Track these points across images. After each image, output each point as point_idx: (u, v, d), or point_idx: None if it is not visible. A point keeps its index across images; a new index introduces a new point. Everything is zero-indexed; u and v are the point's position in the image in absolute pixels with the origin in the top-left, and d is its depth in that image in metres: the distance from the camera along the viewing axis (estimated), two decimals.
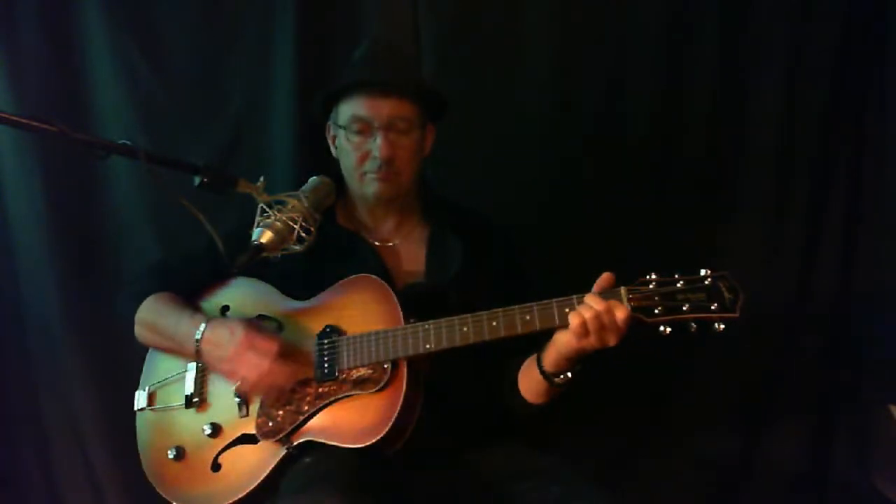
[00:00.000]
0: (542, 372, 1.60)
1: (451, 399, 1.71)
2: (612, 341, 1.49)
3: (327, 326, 1.70)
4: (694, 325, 1.47)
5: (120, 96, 2.48)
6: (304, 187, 1.63)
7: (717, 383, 2.39)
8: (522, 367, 1.69)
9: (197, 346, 1.72)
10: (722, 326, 1.45)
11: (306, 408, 1.65)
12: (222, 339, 1.68)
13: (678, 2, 2.34)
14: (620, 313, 1.47)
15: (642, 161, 2.39)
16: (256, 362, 1.63)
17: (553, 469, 1.65)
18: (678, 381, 2.41)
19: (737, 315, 1.44)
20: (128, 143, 1.44)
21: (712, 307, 1.45)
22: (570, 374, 1.59)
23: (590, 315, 1.47)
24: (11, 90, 2.43)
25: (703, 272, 1.47)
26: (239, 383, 1.69)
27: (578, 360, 1.57)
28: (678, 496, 2.43)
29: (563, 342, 1.53)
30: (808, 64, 2.30)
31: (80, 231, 2.53)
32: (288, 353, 1.68)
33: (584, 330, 1.48)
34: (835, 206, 2.33)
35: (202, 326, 1.72)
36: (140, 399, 1.86)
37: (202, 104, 2.50)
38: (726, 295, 1.45)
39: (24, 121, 1.35)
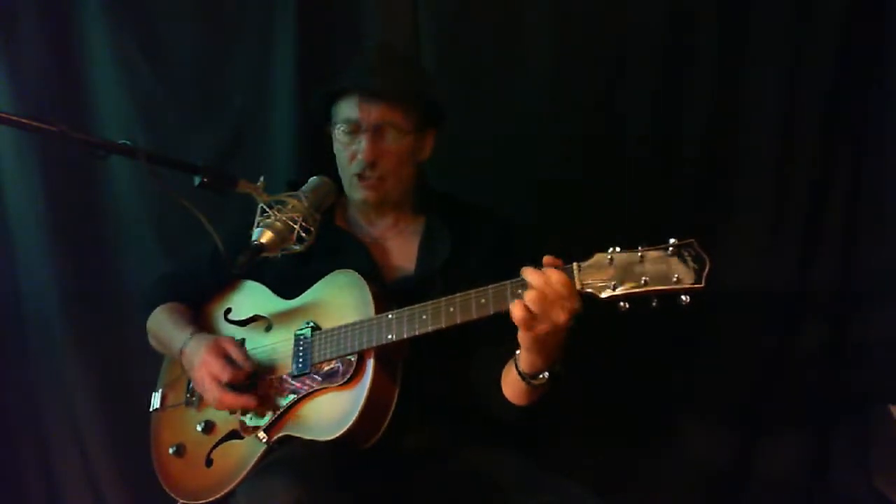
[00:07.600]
0: (519, 372, 1.53)
1: (435, 394, 1.71)
2: (561, 317, 1.38)
3: (305, 322, 1.73)
4: (656, 300, 1.36)
5: (120, 96, 2.48)
6: (304, 187, 1.64)
7: (714, 382, 2.38)
8: (506, 366, 1.60)
9: (181, 361, 1.81)
10: (687, 299, 1.33)
11: (282, 403, 1.69)
12: (192, 361, 1.75)
13: (678, 1, 2.34)
14: (561, 281, 1.38)
15: (642, 159, 2.38)
16: (209, 388, 1.70)
17: (544, 478, 1.60)
18: (676, 379, 2.40)
19: (702, 286, 1.32)
20: (128, 143, 1.45)
21: (674, 278, 1.33)
22: (546, 376, 1.51)
23: (537, 281, 1.39)
24: (11, 90, 2.44)
25: (670, 241, 1.36)
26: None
27: (551, 358, 1.48)
28: (677, 498, 2.42)
29: (519, 334, 1.44)
30: (808, 64, 2.30)
31: (80, 231, 2.54)
32: (261, 367, 1.74)
33: (526, 305, 1.38)
34: (835, 206, 2.33)
35: (181, 346, 1.80)
36: (155, 399, 1.94)
37: (202, 104, 2.51)
38: (691, 265, 1.33)
39: (24, 121, 1.36)
